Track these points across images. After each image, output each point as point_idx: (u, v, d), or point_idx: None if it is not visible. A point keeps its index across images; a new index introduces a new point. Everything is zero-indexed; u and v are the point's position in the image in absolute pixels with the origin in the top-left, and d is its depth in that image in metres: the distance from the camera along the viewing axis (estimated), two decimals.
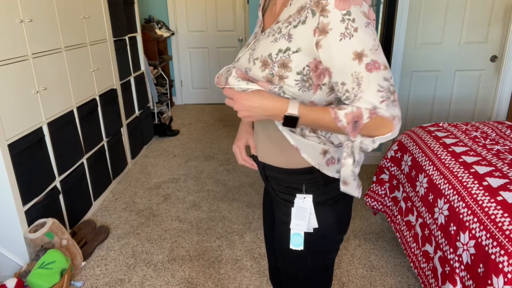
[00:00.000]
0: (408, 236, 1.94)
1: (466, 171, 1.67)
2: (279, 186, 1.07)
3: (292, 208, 1.03)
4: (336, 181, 1.02)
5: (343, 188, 0.96)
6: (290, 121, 0.88)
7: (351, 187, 0.97)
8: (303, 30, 0.86)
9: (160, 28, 4.78)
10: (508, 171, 1.63)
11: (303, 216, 1.02)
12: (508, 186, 1.51)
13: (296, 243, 1.05)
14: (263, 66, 0.90)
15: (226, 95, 0.94)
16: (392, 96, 0.86)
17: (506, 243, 1.27)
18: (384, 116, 0.85)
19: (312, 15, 0.84)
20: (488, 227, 1.36)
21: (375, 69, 0.83)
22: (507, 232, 1.30)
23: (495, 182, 1.55)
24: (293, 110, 0.87)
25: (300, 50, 0.87)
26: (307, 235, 1.04)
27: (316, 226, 1.03)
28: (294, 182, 1.03)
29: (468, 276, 1.41)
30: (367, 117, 0.85)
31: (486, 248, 1.33)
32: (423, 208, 1.81)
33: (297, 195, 1.02)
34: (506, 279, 1.22)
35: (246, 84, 0.92)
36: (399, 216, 2.07)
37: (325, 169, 1.00)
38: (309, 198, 1.01)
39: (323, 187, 1.01)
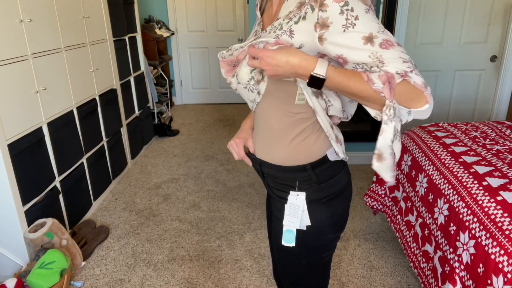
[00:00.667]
0: (408, 236, 1.94)
1: (466, 171, 1.66)
2: (274, 183, 1.09)
3: (285, 205, 1.04)
4: (330, 180, 1.03)
5: (376, 164, 0.88)
6: (316, 82, 0.83)
7: (386, 166, 0.88)
8: (304, 26, 0.86)
9: (160, 28, 4.78)
10: (508, 171, 1.63)
11: (295, 213, 1.03)
12: (508, 186, 1.51)
13: (288, 239, 1.05)
14: None
15: (250, 55, 0.89)
16: (417, 68, 0.84)
17: (506, 243, 1.27)
18: (416, 83, 0.81)
19: (311, 10, 0.85)
20: (488, 227, 1.36)
21: (390, 46, 0.82)
22: (507, 232, 1.30)
23: (495, 182, 1.55)
24: (320, 70, 0.82)
25: (303, 46, 0.88)
26: (300, 232, 1.05)
27: (309, 223, 1.03)
28: (288, 179, 1.04)
29: (468, 276, 1.41)
30: (400, 77, 0.81)
31: (486, 248, 1.33)
32: (423, 208, 1.81)
33: (291, 192, 1.03)
34: (506, 279, 1.22)
35: (267, 38, 0.90)
36: (399, 216, 2.07)
37: (334, 145, 1.01)
38: (302, 195, 1.02)
39: (317, 185, 1.02)
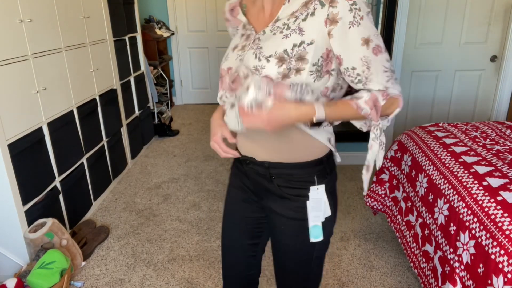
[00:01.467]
0: (408, 236, 1.94)
1: (466, 171, 1.66)
2: (287, 182, 1.06)
3: (308, 202, 1.04)
4: (334, 169, 1.09)
5: (366, 175, 1.02)
6: (317, 123, 0.94)
7: (369, 176, 1.02)
8: (314, 22, 0.91)
9: (160, 28, 4.78)
10: (508, 171, 1.63)
11: (319, 207, 1.04)
12: (508, 186, 1.51)
13: (316, 234, 1.06)
14: (279, 62, 0.92)
15: (251, 125, 0.94)
16: (394, 75, 0.94)
17: (506, 243, 1.27)
18: (394, 94, 0.94)
19: (321, 6, 0.90)
20: (488, 227, 1.36)
21: (379, 52, 0.91)
22: (507, 232, 1.30)
23: (495, 182, 1.55)
24: (320, 114, 0.92)
25: (314, 42, 0.91)
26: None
27: (329, 214, 1.06)
28: (306, 174, 1.04)
29: (468, 276, 1.41)
30: (383, 99, 0.92)
31: (486, 248, 1.33)
32: (423, 208, 1.81)
33: (311, 187, 1.04)
34: (506, 279, 1.22)
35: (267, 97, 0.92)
36: (399, 216, 2.07)
37: (334, 150, 1.08)
38: (321, 188, 1.04)
39: (329, 176, 1.06)
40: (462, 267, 1.45)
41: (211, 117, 1.21)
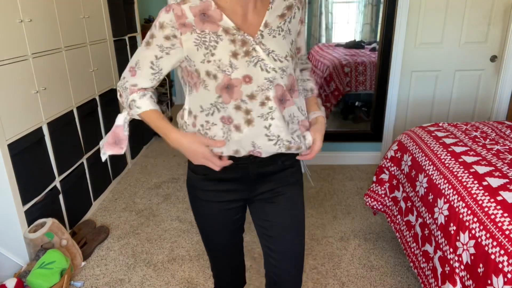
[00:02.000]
0: (408, 236, 1.94)
1: (466, 171, 1.66)
2: (286, 156, 1.17)
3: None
4: None
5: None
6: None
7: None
8: (294, 23, 1.12)
9: None
10: (508, 171, 1.63)
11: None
12: (508, 186, 1.51)
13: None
14: (292, 60, 1.09)
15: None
16: None
17: (506, 243, 1.27)
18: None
19: (298, 10, 1.13)
20: (488, 227, 1.36)
21: None
22: (507, 232, 1.30)
23: (495, 182, 1.55)
24: (325, 116, 1.22)
25: (295, 39, 1.15)
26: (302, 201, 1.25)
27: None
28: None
29: (468, 276, 1.41)
30: (312, 76, 1.29)
31: (486, 248, 1.33)
32: (423, 208, 1.81)
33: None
34: (506, 279, 1.22)
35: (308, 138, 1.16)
36: (399, 216, 2.07)
37: None
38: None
39: None
40: (462, 267, 1.45)
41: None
